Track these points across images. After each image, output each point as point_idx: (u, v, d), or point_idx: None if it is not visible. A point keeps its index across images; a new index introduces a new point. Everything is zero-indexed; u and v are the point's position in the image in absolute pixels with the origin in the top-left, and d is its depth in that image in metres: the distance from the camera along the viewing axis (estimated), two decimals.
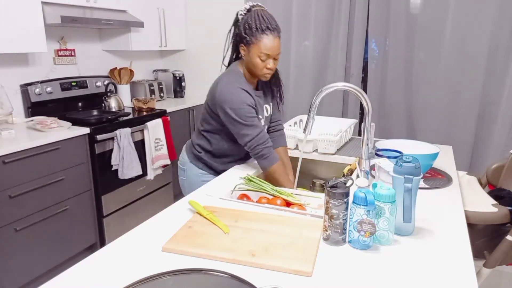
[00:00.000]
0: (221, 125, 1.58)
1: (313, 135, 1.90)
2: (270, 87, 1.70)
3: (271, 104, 1.73)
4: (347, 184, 1.03)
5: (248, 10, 1.50)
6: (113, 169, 2.60)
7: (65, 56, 2.93)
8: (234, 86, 1.50)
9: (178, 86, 3.69)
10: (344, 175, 1.63)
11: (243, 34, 1.49)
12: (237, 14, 1.54)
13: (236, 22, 1.55)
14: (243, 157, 1.75)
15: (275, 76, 1.69)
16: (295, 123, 2.17)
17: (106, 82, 3.14)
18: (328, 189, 1.01)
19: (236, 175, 1.60)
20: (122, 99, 3.15)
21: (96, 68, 3.22)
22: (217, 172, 1.71)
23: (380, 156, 1.49)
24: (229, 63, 1.66)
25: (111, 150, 2.62)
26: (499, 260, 1.63)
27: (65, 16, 2.40)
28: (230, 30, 1.59)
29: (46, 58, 2.79)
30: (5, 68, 2.53)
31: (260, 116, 1.59)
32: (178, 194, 3.29)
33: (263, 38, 1.46)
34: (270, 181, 1.56)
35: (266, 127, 1.72)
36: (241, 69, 1.58)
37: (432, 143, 1.64)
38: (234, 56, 1.64)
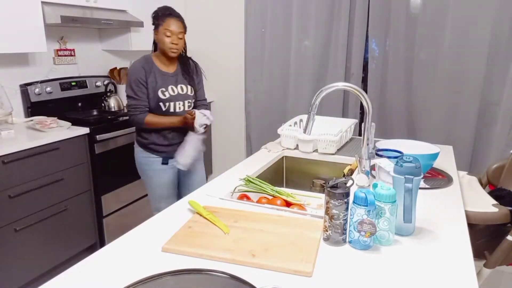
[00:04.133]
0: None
1: (313, 135, 1.90)
2: (186, 71, 2.04)
3: (188, 85, 2.03)
4: (347, 184, 1.02)
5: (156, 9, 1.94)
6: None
7: (65, 56, 2.93)
8: (132, 69, 1.94)
9: None
10: (344, 175, 1.63)
11: (154, 21, 1.91)
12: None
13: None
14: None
15: (188, 63, 2.06)
16: (295, 123, 2.17)
17: (106, 82, 3.14)
18: (328, 189, 1.01)
19: (236, 176, 1.60)
20: (122, 99, 3.14)
21: (96, 68, 3.21)
22: (154, 145, 2.03)
23: (381, 156, 1.49)
24: None
25: (112, 150, 2.61)
26: (500, 260, 1.63)
27: (65, 16, 2.40)
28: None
29: (46, 58, 2.79)
30: (5, 68, 2.53)
31: (163, 89, 1.93)
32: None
33: (167, 20, 1.87)
34: (156, 125, 1.95)
35: (188, 102, 2.04)
36: (154, 56, 1.97)
37: (432, 143, 1.63)
38: (154, 48, 2.02)
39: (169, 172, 2.08)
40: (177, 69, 2.02)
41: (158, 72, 1.94)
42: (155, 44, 2.00)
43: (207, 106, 2.17)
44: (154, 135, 2.01)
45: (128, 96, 1.96)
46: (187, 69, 2.05)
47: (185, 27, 1.94)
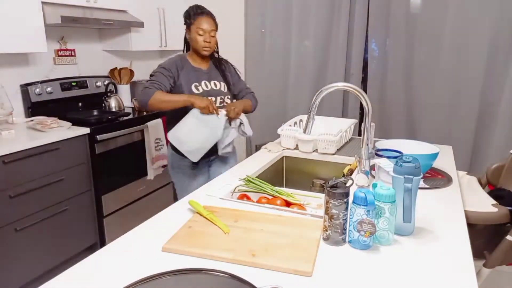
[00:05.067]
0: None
1: (313, 135, 1.90)
2: (218, 68, 2.03)
3: (222, 82, 2.00)
4: (347, 184, 1.03)
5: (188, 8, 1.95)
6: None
7: (65, 56, 2.93)
8: (171, 58, 1.91)
9: None
10: (344, 175, 1.64)
11: (186, 21, 1.91)
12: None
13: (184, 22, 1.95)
14: None
15: (220, 60, 2.06)
16: (295, 123, 2.17)
17: (106, 82, 3.14)
18: (328, 189, 1.01)
19: (236, 176, 1.60)
20: (122, 99, 3.15)
21: (96, 68, 3.21)
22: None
23: (380, 156, 1.49)
24: None
25: (112, 150, 2.62)
26: (499, 260, 1.63)
27: (65, 16, 2.40)
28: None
29: (46, 58, 2.79)
30: (5, 68, 2.54)
31: (196, 84, 1.91)
32: None
33: (199, 18, 1.87)
34: (161, 105, 1.80)
35: (221, 98, 1.97)
36: (188, 54, 1.97)
37: (432, 143, 1.64)
38: (186, 47, 2.02)
39: (200, 175, 2.00)
40: (210, 66, 2.01)
41: (191, 68, 1.93)
42: (187, 43, 2.00)
43: (253, 93, 2.15)
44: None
45: (149, 78, 1.89)
46: (220, 66, 2.04)
47: (216, 25, 1.94)
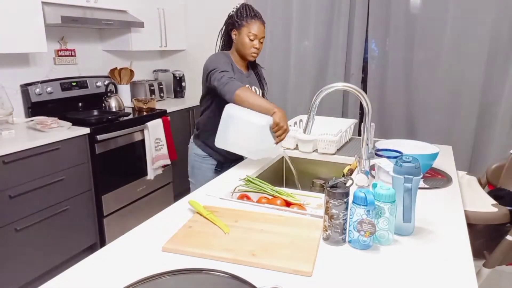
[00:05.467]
0: (213, 98, 1.80)
1: (313, 135, 1.90)
2: (256, 74, 1.98)
3: (259, 89, 1.94)
4: (347, 184, 1.03)
5: (239, 6, 1.82)
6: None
7: (66, 56, 2.93)
8: (219, 54, 1.79)
9: (178, 86, 3.69)
10: (344, 175, 1.64)
11: (235, 19, 1.78)
12: (228, 14, 1.84)
13: (227, 19, 1.84)
14: None
15: (258, 67, 2.01)
16: (295, 123, 2.17)
17: (106, 82, 3.14)
18: (328, 189, 1.01)
19: (236, 176, 1.60)
20: (122, 99, 3.15)
21: (96, 68, 3.22)
22: (212, 150, 1.84)
23: (380, 156, 1.49)
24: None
25: (112, 150, 2.62)
26: (499, 260, 1.63)
27: (65, 16, 2.41)
28: (222, 28, 1.87)
29: (46, 58, 2.79)
30: (6, 68, 2.54)
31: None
32: (178, 194, 3.29)
33: (252, 22, 1.77)
34: (244, 101, 1.58)
35: None
36: (230, 53, 1.85)
37: (432, 143, 1.64)
38: (223, 44, 1.90)
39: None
40: (249, 70, 1.95)
41: (236, 69, 1.84)
42: (227, 44, 1.88)
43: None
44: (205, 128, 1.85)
45: (214, 71, 1.69)
46: (257, 72, 1.99)
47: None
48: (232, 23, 1.81)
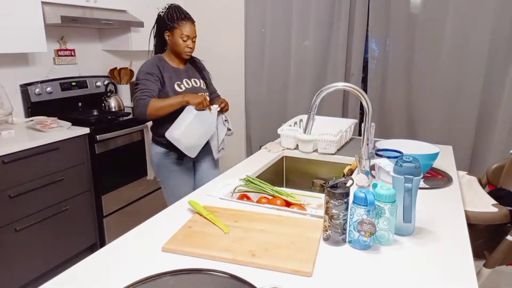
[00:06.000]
0: None
1: (313, 135, 1.90)
2: (195, 67, 2.12)
3: (200, 80, 2.09)
4: (347, 184, 1.03)
5: (167, 8, 1.96)
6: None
7: (65, 56, 2.93)
8: (146, 64, 1.94)
9: None
10: (344, 175, 1.63)
11: (167, 22, 1.92)
12: (158, 14, 1.98)
13: (158, 19, 1.98)
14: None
15: (195, 60, 2.15)
16: (295, 123, 2.17)
17: (106, 82, 3.14)
18: (328, 189, 1.01)
19: (236, 176, 1.60)
20: (122, 99, 3.14)
21: (96, 68, 3.21)
22: (163, 143, 2.00)
23: (380, 156, 1.49)
24: (155, 52, 2.07)
25: (112, 150, 2.62)
26: (499, 260, 1.63)
27: (65, 16, 2.40)
28: (153, 26, 2.02)
29: (46, 58, 2.79)
30: (5, 68, 2.53)
31: (178, 82, 1.97)
32: None
33: (183, 24, 1.92)
34: (159, 112, 1.85)
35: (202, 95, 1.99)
36: (164, 55, 2.00)
37: (432, 143, 1.64)
38: (157, 44, 2.05)
39: (185, 172, 2.07)
40: (187, 66, 2.08)
41: (171, 69, 1.99)
42: (161, 43, 2.03)
43: (219, 96, 2.25)
44: (167, 126, 1.93)
45: (136, 85, 1.94)
46: (196, 65, 2.13)
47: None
48: (164, 25, 1.94)
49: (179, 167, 2.05)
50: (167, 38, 1.96)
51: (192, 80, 2.05)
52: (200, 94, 1.91)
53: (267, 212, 1.24)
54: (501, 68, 2.67)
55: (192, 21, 1.97)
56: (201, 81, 2.09)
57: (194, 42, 1.97)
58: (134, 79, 3.48)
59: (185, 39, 1.92)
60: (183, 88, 1.97)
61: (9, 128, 2.27)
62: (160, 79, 1.93)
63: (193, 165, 2.15)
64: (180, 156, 2.01)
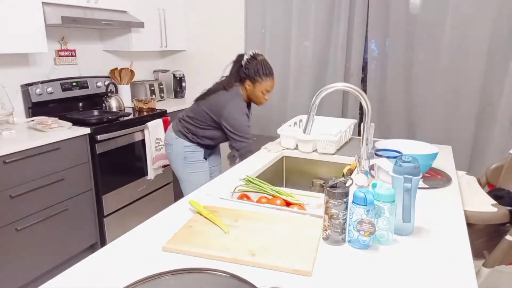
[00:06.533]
0: (215, 127, 2.06)
1: (313, 135, 1.90)
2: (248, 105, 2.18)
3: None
4: (347, 184, 1.03)
5: (253, 57, 2.01)
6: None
7: (66, 56, 2.93)
8: (240, 111, 1.99)
9: (178, 87, 3.69)
10: (343, 175, 1.64)
11: (252, 75, 1.98)
12: (240, 56, 2.05)
13: (238, 61, 2.05)
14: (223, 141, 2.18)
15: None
16: (295, 123, 2.17)
17: (106, 83, 3.15)
18: (328, 189, 1.01)
19: (236, 176, 1.60)
20: (123, 99, 3.15)
21: (97, 68, 3.22)
22: (200, 145, 2.14)
23: (380, 156, 1.49)
24: (229, 81, 2.07)
25: (112, 150, 2.62)
26: (499, 259, 1.63)
27: (66, 17, 2.41)
28: (232, 65, 2.10)
29: (46, 58, 2.80)
30: (6, 68, 2.54)
31: (247, 113, 2.05)
32: (178, 194, 3.29)
33: (267, 80, 2.00)
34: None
35: None
36: (242, 92, 2.06)
37: (431, 143, 1.64)
38: (234, 77, 2.06)
39: (207, 168, 2.20)
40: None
41: (246, 110, 2.08)
42: (237, 78, 2.06)
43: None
44: (201, 137, 2.11)
45: (240, 126, 1.99)
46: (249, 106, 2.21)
47: None
48: (247, 75, 2.00)
49: (204, 163, 2.17)
50: (247, 86, 2.03)
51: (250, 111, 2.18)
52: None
53: (267, 211, 1.25)
54: (500, 67, 2.68)
55: (273, 76, 2.04)
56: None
57: (269, 92, 2.05)
58: (135, 79, 3.48)
59: (264, 93, 2.02)
60: (250, 120, 2.09)
61: (10, 128, 2.28)
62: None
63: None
64: (205, 154, 2.16)
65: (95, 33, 3.18)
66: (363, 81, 3.17)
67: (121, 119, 2.74)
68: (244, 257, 0.96)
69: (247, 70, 2.00)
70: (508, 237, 1.59)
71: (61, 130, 2.36)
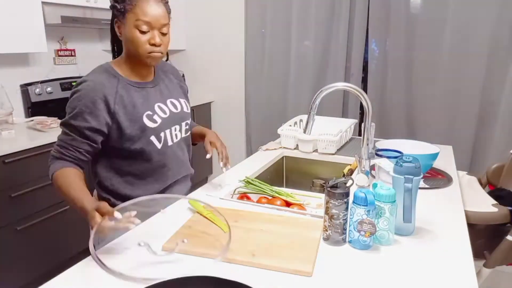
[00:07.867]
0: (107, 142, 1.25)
1: (313, 135, 1.90)
2: (169, 79, 1.36)
3: (180, 98, 1.36)
4: (347, 184, 1.03)
5: None
6: None
7: (65, 56, 2.93)
8: (80, 95, 1.22)
9: None
10: (344, 175, 1.63)
11: (114, 4, 1.21)
12: None
13: (112, 6, 1.26)
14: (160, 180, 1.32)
15: (169, 67, 1.38)
16: (295, 123, 2.17)
17: None
18: (328, 189, 1.01)
19: (236, 176, 1.60)
20: None
21: None
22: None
23: (380, 156, 1.49)
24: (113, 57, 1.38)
25: None
26: (499, 260, 1.63)
27: (65, 16, 2.41)
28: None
29: (46, 58, 2.79)
30: (5, 68, 2.54)
31: (149, 112, 1.23)
32: None
33: (138, 3, 1.15)
34: (58, 192, 1.23)
35: (186, 125, 1.39)
36: (113, 64, 1.31)
37: (432, 143, 1.64)
38: (113, 48, 1.38)
39: None
40: (157, 77, 1.31)
41: (129, 87, 1.23)
42: (116, 44, 1.38)
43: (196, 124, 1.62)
44: (114, 180, 1.34)
45: (61, 126, 1.28)
46: (171, 74, 1.38)
47: (169, 14, 1.21)
48: (117, 13, 1.23)
49: None
50: (117, 31, 1.26)
51: (169, 102, 1.31)
52: (96, 205, 1.10)
53: (267, 212, 1.24)
54: (501, 67, 2.67)
55: None
56: (182, 100, 1.37)
57: (165, 35, 1.18)
58: None
59: (143, 29, 1.15)
60: (158, 122, 1.24)
61: (9, 128, 2.28)
62: (104, 119, 1.17)
63: None
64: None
65: (95, 33, 3.17)
66: (364, 80, 3.17)
67: None
68: (244, 257, 0.95)
69: (112, 5, 1.27)
70: (509, 237, 1.59)
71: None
